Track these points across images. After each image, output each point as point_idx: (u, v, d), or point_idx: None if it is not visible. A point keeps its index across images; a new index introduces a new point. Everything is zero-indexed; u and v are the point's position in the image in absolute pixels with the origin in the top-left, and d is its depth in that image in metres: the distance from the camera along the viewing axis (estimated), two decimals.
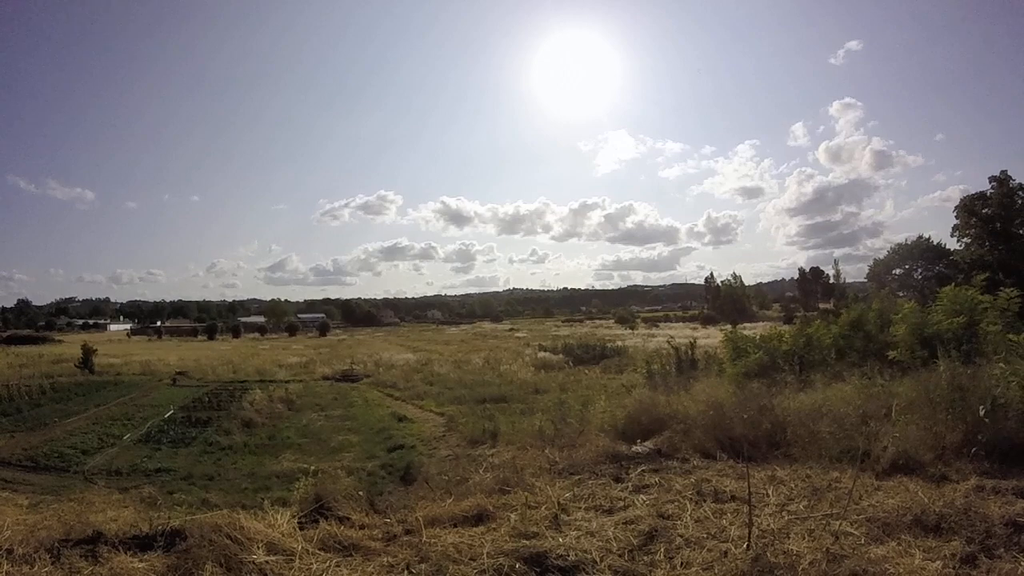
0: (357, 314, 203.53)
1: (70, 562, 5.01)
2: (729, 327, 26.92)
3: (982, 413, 7.50)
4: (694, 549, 5.17)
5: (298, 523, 5.96)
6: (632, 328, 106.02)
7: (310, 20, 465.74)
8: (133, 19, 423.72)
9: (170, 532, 5.55)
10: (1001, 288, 12.96)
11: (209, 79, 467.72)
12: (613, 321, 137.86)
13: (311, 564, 5.02)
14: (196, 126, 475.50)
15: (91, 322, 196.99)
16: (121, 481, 18.77)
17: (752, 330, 21.00)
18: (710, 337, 54.54)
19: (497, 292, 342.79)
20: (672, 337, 39.32)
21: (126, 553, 5.18)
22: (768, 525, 5.63)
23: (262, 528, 5.48)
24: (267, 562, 4.93)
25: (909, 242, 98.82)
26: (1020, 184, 58.82)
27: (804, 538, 5.24)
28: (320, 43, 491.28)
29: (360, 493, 7.16)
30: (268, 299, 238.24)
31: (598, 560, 5.01)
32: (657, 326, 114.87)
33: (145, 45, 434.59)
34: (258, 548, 5.11)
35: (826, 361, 14.85)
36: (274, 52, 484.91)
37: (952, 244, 73.46)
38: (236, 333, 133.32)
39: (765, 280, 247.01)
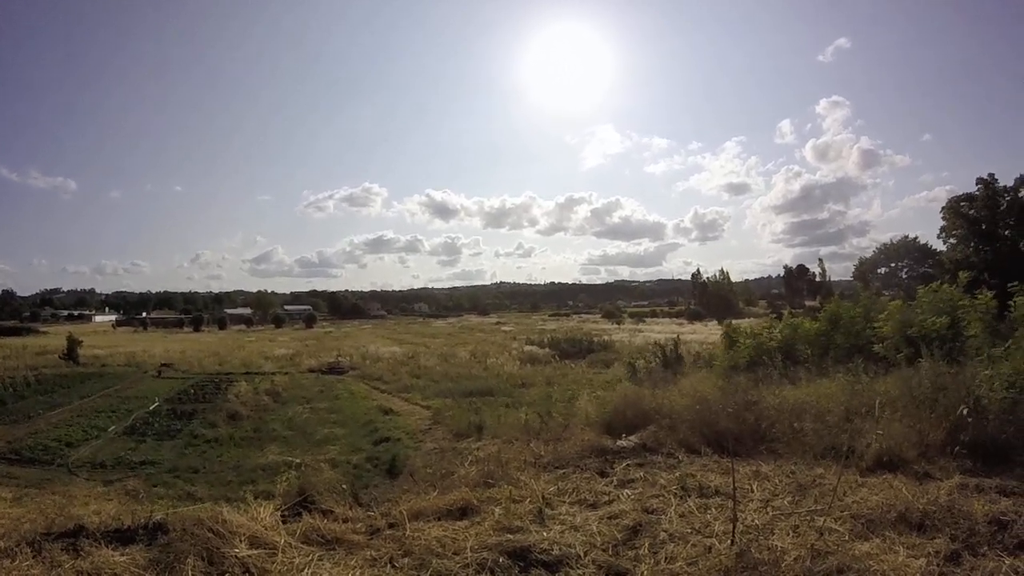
0: (344, 306, 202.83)
1: (52, 555, 4.98)
2: (716, 323, 27.16)
3: (965, 413, 7.55)
4: (678, 544, 5.17)
5: (281, 516, 5.94)
6: (619, 323, 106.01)
7: (298, 11, 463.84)
8: (116, 8, 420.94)
9: (152, 525, 5.52)
10: (982, 288, 13.04)
11: (192, 68, 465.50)
12: (600, 316, 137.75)
13: (293, 558, 5.00)
14: (179, 115, 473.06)
15: (76, 313, 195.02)
16: (105, 474, 18.67)
17: (742, 327, 21.03)
18: (696, 333, 54.89)
19: (484, 286, 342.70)
20: (652, 340, 39.33)
21: (108, 546, 5.15)
22: (752, 521, 5.64)
23: (245, 521, 5.46)
24: (249, 556, 4.90)
25: (895, 242, 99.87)
26: (1006, 186, 59.33)
27: (788, 534, 5.25)
28: (306, 35, 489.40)
29: (344, 486, 7.16)
30: (254, 291, 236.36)
31: (582, 554, 5.01)
32: (644, 321, 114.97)
33: (127, 33, 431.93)
34: (240, 542, 5.09)
35: (810, 357, 14.91)
36: (259, 43, 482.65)
37: (938, 245, 74.07)
38: (222, 325, 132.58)
39: (752, 277, 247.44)
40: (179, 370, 46.97)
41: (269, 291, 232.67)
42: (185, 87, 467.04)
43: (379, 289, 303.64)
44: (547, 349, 50.99)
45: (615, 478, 7.45)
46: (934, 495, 5.89)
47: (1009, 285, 12.23)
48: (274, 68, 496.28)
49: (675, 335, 32.61)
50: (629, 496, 6.62)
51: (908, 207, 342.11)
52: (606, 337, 58.98)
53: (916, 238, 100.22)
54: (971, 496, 5.93)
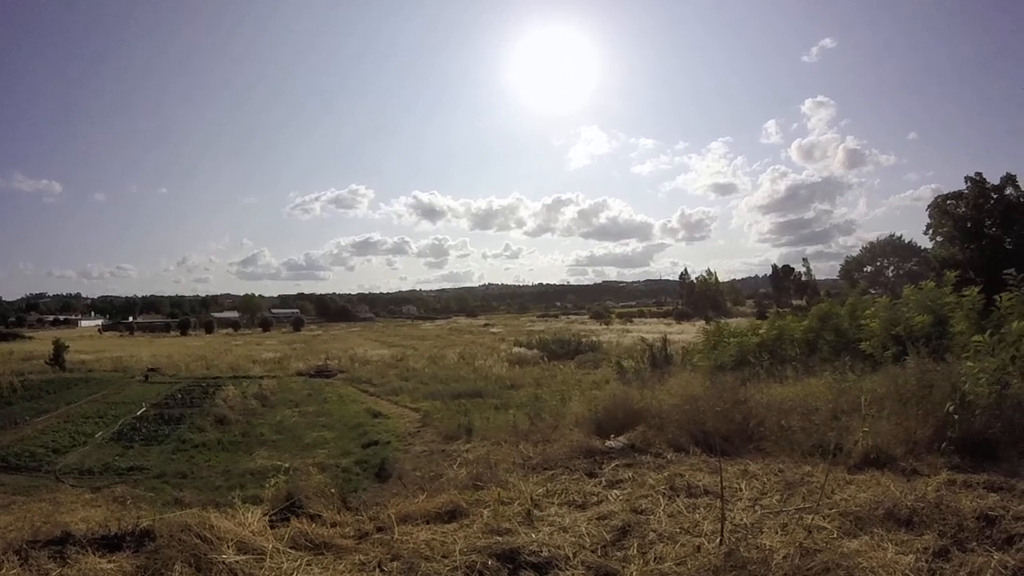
0: (332, 309, 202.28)
1: (38, 563, 4.93)
2: (703, 323, 27.32)
3: (951, 409, 7.57)
4: (667, 544, 5.17)
5: (269, 521, 5.90)
6: (607, 324, 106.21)
7: (284, 14, 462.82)
8: (100, 10, 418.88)
9: (139, 532, 5.48)
10: (968, 286, 13.10)
11: (177, 70, 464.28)
12: (588, 317, 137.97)
13: (281, 563, 4.97)
14: (163, 117, 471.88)
15: (62, 318, 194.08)
16: (93, 480, 18.58)
17: (728, 326, 21.14)
18: (684, 333, 54.94)
19: (472, 287, 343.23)
20: (640, 340, 39.36)
21: (95, 554, 5.10)
22: (741, 519, 5.65)
23: (232, 527, 5.42)
24: (237, 561, 4.87)
25: (881, 240, 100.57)
26: (993, 185, 59.71)
27: (777, 532, 5.25)
28: (292, 37, 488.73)
29: (332, 490, 7.12)
30: (241, 294, 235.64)
31: (571, 556, 5.00)
32: (632, 322, 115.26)
33: (110, 33, 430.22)
34: (228, 547, 5.05)
35: (797, 355, 14.98)
36: (245, 44, 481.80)
37: (924, 242, 74.62)
38: (209, 328, 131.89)
39: (739, 276, 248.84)
40: (166, 375, 46.77)
41: (256, 294, 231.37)
42: (169, 88, 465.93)
43: (367, 291, 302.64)
44: (535, 350, 50.99)
45: (604, 479, 7.44)
46: (922, 491, 5.91)
47: (1005, 272, 12.28)
48: (259, 69, 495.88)
49: (663, 335, 32.69)
50: (618, 496, 6.62)
51: (894, 206, 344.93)
52: (594, 338, 59.04)
53: (902, 236, 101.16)
54: (959, 492, 5.95)
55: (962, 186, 61.37)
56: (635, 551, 5.08)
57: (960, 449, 7.19)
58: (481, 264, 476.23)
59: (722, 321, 24.54)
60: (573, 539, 5.35)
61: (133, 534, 5.47)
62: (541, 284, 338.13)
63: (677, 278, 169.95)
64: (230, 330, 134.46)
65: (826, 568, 4.50)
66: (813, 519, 5.43)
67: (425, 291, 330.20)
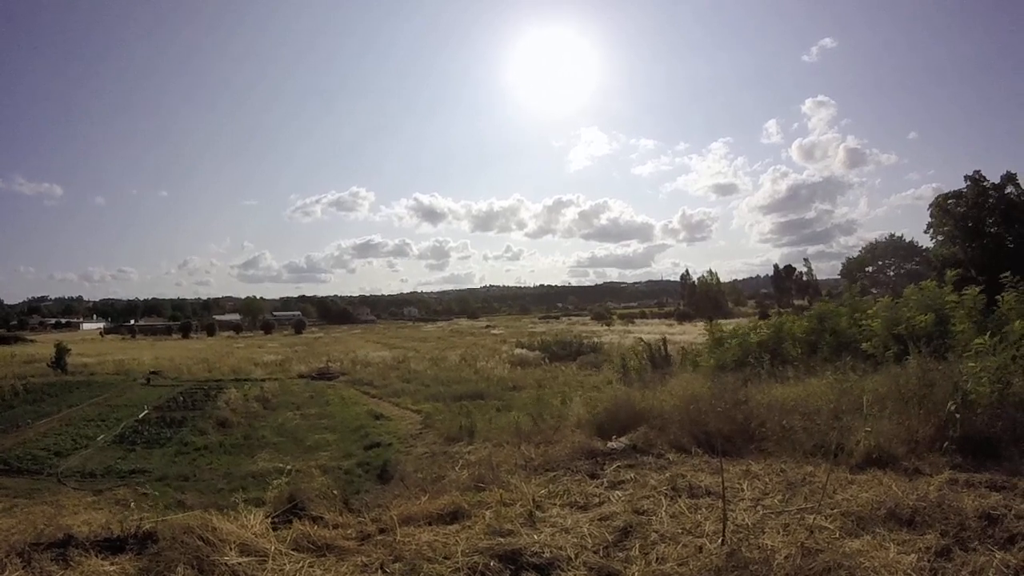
0: (333, 312, 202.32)
1: (41, 566, 4.93)
2: (704, 324, 27.28)
3: (953, 408, 7.56)
4: (669, 545, 5.17)
5: (271, 523, 5.90)
6: (608, 325, 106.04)
7: (284, 16, 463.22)
8: (100, 13, 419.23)
9: (142, 534, 5.48)
10: (970, 285, 13.10)
11: (177, 72, 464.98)
12: (589, 318, 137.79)
13: (284, 565, 4.97)
14: (164, 119, 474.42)
15: (64, 321, 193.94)
16: (95, 483, 18.57)
17: (728, 326, 21.11)
18: (686, 333, 54.88)
19: (473, 289, 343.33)
20: (639, 338, 39.27)
21: (97, 556, 5.11)
22: (743, 520, 5.64)
23: (235, 529, 5.42)
24: (239, 563, 4.87)
25: (882, 240, 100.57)
26: (993, 184, 59.62)
27: (779, 532, 5.25)
28: (293, 39, 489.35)
29: (334, 492, 7.13)
30: (243, 297, 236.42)
31: (573, 557, 5.00)
32: (633, 323, 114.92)
33: (110, 33, 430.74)
34: (230, 549, 5.05)
35: (798, 356, 14.95)
36: (245, 47, 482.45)
37: (925, 241, 74.57)
38: (211, 331, 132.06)
39: (740, 277, 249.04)
40: (168, 377, 46.72)
41: (258, 297, 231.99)
42: (169, 89, 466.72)
43: (368, 294, 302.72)
44: (537, 352, 50.90)
45: (605, 480, 7.44)
46: (924, 491, 5.90)
47: (1001, 276, 12.29)
48: (259, 69, 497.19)
49: (662, 335, 32.67)
50: (619, 497, 6.61)
51: (895, 205, 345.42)
52: (596, 339, 58.98)
53: (902, 236, 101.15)
54: (961, 491, 5.94)
55: (963, 185, 61.39)
56: (637, 552, 5.08)
57: (962, 448, 7.18)
58: (482, 266, 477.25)
59: (716, 322, 24.46)
60: (575, 540, 5.35)
61: (135, 536, 5.48)
62: (542, 285, 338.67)
63: (678, 279, 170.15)
64: (232, 333, 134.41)
65: (828, 568, 4.50)
66: (815, 519, 5.43)
67: (426, 293, 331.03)
